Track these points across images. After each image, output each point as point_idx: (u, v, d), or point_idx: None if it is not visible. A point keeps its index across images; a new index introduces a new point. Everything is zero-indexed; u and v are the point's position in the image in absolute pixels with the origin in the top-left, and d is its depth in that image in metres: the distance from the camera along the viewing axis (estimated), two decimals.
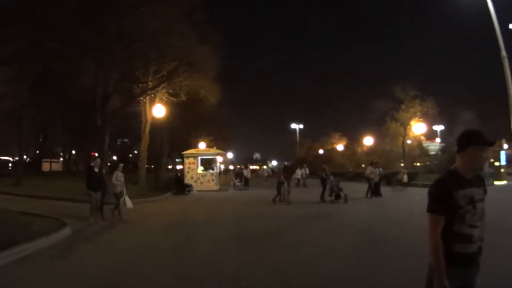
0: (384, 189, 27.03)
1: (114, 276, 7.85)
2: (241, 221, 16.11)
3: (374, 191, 25.72)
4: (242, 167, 45.65)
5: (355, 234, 12.51)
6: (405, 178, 32.40)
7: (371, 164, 27.30)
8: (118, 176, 16.30)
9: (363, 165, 64.18)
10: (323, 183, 24.33)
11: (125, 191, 16.78)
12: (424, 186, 30.30)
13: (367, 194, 25.59)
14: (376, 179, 25.99)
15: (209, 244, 10.97)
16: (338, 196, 22.75)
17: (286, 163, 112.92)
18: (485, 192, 3.60)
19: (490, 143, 3.47)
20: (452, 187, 3.41)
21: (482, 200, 3.51)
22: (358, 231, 13.16)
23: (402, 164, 51.35)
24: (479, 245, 3.50)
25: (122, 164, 17.83)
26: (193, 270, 8.26)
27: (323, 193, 23.79)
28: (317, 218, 16.85)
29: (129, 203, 16.73)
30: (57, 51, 25.55)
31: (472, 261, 3.49)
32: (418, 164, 58.18)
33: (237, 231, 13.25)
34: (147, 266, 8.62)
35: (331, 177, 24.36)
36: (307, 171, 44.65)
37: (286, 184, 23.27)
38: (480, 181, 3.61)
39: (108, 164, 17.52)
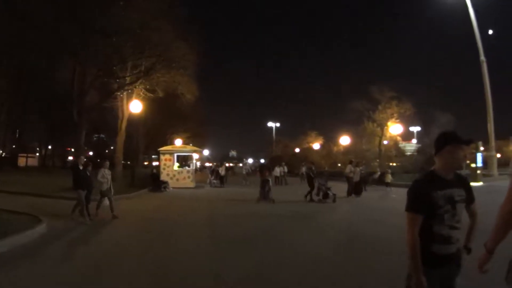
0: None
1: (88, 277, 7.64)
2: (220, 220, 15.92)
3: (354, 190, 25.23)
4: (218, 164, 44.34)
5: (339, 234, 12.45)
6: (389, 177, 32.35)
7: (350, 163, 26.86)
8: (105, 174, 15.79)
9: (339, 164, 64.59)
10: (311, 182, 23.46)
11: (112, 189, 16.13)
12: (400, 186, 30.70)
13: (349, 193, 25.09)
14: (357, 178, 25.54)
15: (187, 244, 10.81)
16: (326, 195, 22.16)
17: (262, 161, 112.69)
18: (468, 192, 3.64)
19: (465, 142, 3.53)
20: (430, 187, 3.46)
21: (463, 200, 3.55)
22: (343, 231, 13.11)
23: (377, 164, 51.67)
24: (458, 247, 3.54)
25: (108, 162, 17.23)
26: (171, 271, 8.10)
27: (309, 192, 23.01)
28: (300, 218, 16.40)
29: (106, 201, 15.88)
30: (34, 45, 25.14)
31: (452, 261, 3.53)
32: (394, 164, 58.73)
33: (216, 231, 13.06)
34: (123, 266, 8.44)
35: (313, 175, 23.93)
36: (286, 169, 44.49)
37: (270, 183, 22.77)
38: (461, 182, 3.64)
39: (84, 159, 16.81)
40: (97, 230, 12.92)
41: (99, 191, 15.66)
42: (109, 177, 16.02)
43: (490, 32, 29.17)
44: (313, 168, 24.77)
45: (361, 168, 26.89)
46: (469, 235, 3.68)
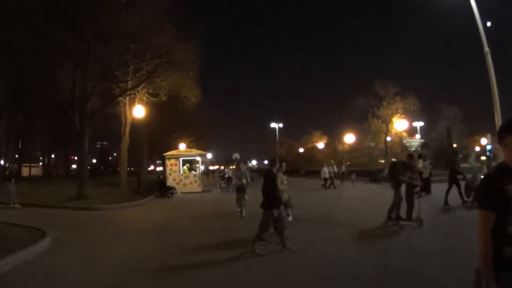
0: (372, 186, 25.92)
1: None
2: None
3: (425, 187, 21.16)
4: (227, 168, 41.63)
5: None
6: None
7: (420, 157, 23.05)
8: (283, 179, 12.17)
9: (348, 163, 64.14)
10: (454, 180, 18.05)
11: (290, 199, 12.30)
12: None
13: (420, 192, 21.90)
14: (427, 174, 22.13)
15: (203, 253, 10.03)
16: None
17: (265, 162, 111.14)
18: None
19: None
20: (502, 181, 3.03)
21: None
22: None
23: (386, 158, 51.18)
24: None
25: (284, 163, 12.99)
26: (187, 283, 7.49)
27: (460, 193, 17.81)
28: None
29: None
30: (33, 51, 24.50)
31: None
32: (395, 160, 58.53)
33: None
34: (137, 280, 7.84)
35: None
36: (335, 169, 35.91)
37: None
38: None
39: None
40: (102, 241, 12.15)
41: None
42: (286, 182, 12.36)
43: (489, 24, 28.59)
44: (458, 161, 19.11)
45: (429, 162, 23.72)
46: None
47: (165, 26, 28.06)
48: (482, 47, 30.24)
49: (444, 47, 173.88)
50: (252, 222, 11.74)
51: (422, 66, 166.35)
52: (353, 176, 37.60)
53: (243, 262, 8.94)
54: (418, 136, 70.65)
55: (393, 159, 21.01)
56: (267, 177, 10.31)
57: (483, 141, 59.25)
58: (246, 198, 18.89)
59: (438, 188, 20.12)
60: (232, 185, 24.28)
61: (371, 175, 38.57)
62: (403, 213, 13.70)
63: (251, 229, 10.78)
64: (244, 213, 16.57)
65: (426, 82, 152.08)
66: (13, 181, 20.96)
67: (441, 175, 24.59)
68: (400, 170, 14.09)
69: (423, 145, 60.31)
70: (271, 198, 10.00)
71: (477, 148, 56.25)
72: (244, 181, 18.44)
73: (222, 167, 44.16)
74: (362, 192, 27.81)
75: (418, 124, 68.85)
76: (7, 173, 22.92)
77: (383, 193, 21.36)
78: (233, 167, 26.40)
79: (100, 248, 11.13)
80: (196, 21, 35.83)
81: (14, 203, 20.57)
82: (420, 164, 21.64)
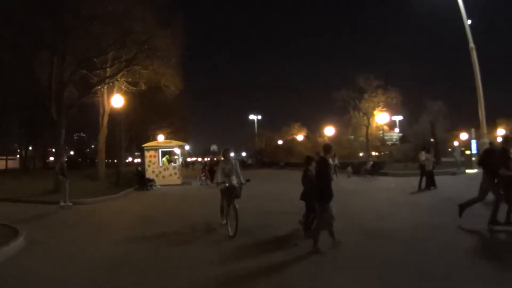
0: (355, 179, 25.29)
1: None
2: None
3: (429, 181, 20.91)
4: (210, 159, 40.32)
5: None
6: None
7: (423, 149, 22.40)
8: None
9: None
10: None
11: None
12: (393, 175, 30.53)
13: (419, 185, 20.79)
14: (430, 167, 21.09)
15: (187, 251, 9.34)
16: None
17: (243, 154, 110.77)
18: None
19: None
20: None
21: None
22: None
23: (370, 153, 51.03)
24: None
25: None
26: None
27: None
28: None
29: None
30: (9, 39, 23.45)
31: None
32: (375, 153, 58.93)
33: None
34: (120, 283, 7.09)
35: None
36: (330, 161, 32.31)
37: None
38: None
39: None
40: (85, 239, 11.15)
41: None
42: None
43: (469, 22, 28.51)
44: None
45: (433, 154, 22.83)
46: None
47: (147, 12, 27.10)
48: (468, 42, 30.12)
49: (430, 42, 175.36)
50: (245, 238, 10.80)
51: (407, 60, 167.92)
52: (349, 168, 36.63)
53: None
54: (397, 130, 70.92)
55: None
56: (321, 166, 9.12)
57: (463, 135, 59.71)
58: (237, 206, 10.94)
59: (443, 180, 19.65)
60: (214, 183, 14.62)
61: (354, 168, 38.17)
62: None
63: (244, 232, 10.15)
64: (232, 229, 10.72)
65: (411, 76, 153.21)
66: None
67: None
68: (499, 160, 10.32)
69: (401, 139, 60.55)
70: (325, 190, 8.83)
71: (456, 143, 56.39)
72: (235, 180, 11.87)
73: (207, 159, 42.76)
74: (367, 186, 25.90)
75: (397, 118, 68.88)
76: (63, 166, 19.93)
77: (388, 187, 20.97)
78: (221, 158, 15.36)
79: (80, 247, 10.12)
80: (179, 9, 34.73)
81: (65, 201, 18.30)
82: (423, 156, 21.41)
